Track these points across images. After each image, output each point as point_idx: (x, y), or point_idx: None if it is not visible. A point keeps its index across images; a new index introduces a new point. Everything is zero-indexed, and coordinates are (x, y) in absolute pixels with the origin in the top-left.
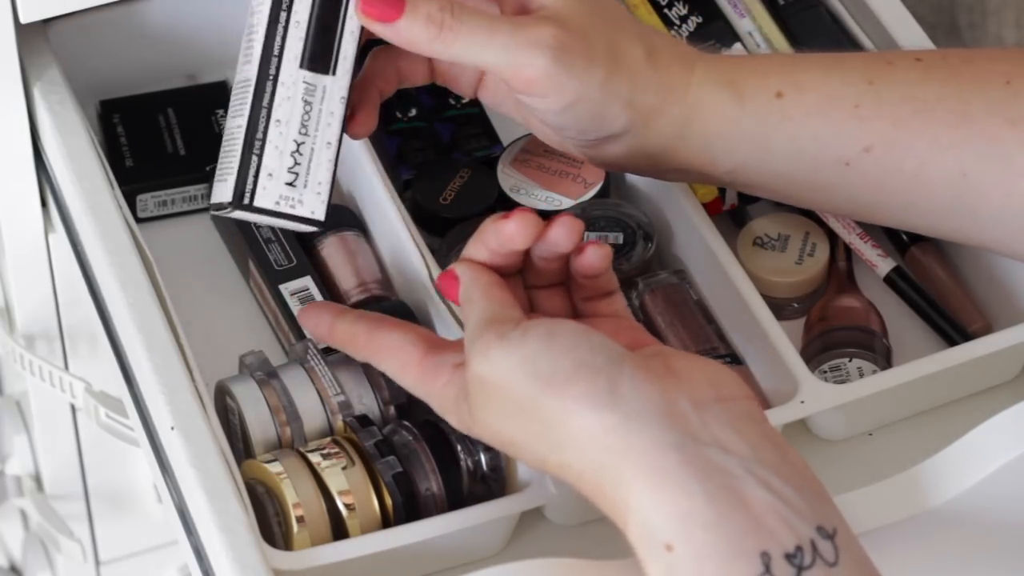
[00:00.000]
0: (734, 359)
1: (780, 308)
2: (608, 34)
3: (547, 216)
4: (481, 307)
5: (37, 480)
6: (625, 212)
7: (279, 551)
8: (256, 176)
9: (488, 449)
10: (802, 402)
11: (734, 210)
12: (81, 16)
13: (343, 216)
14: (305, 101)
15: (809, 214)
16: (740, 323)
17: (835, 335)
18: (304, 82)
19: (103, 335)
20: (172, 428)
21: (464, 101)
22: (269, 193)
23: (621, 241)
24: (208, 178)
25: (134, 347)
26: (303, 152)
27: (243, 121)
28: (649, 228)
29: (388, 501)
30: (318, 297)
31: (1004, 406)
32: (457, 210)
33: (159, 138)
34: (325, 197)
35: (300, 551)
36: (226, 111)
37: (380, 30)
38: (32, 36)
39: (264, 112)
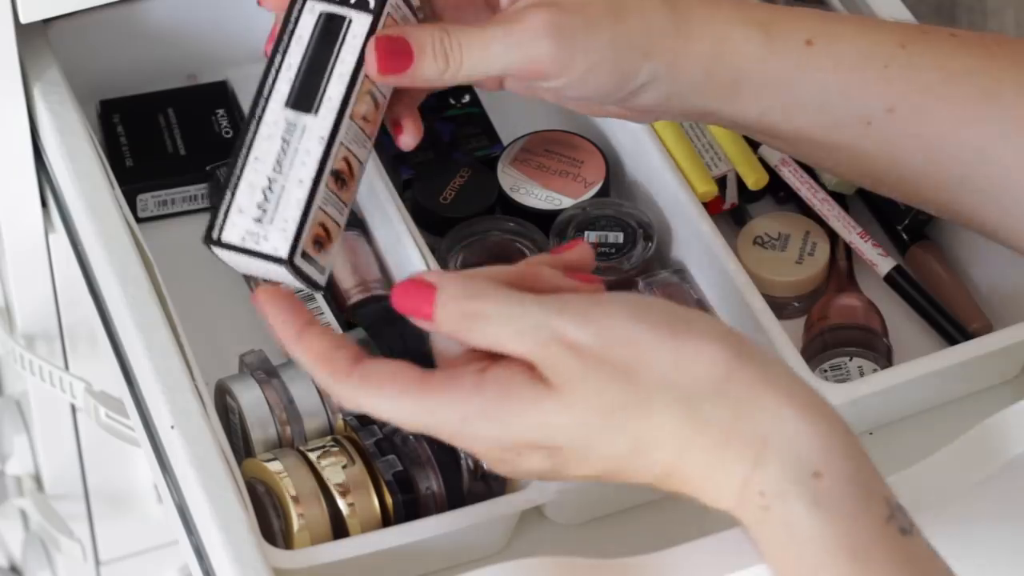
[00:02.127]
0: None
1: (780, 307)
2: None
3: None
4: (510, 295)
5: (37, 480)
6: (625, 212)
7: (279, 550)
8: (227, 213)
9: None
10: None
11: (734, 209)
12: (81, 16)
13: None
14: (283, 139)
15: (810, 213)
16: (740, 322)
17: (835, 334)
18: (285, 120)
19: (103, 335)
20: (172, 427)
21: (464, 100)
22: (237, 229)
23: (621, 241)
24: (208, 178)
25: (134, 346)
26: (273, 189)
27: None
28: (649, 228)
29: (388, 500)
30: (318, 297)
31: (1004, 405)
32: (457, 210)
33: (159, 138)
34: (291, 235)
35: (300, 550)
36: (226, 111)
37: (398, 81)
38: (32, 36)
39: (244, 151)
